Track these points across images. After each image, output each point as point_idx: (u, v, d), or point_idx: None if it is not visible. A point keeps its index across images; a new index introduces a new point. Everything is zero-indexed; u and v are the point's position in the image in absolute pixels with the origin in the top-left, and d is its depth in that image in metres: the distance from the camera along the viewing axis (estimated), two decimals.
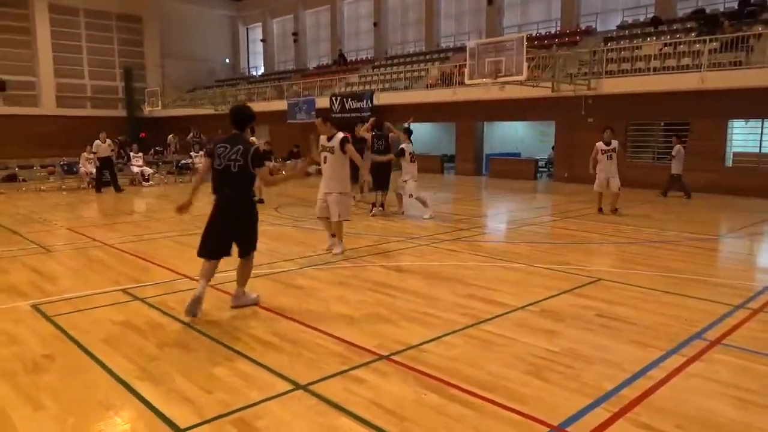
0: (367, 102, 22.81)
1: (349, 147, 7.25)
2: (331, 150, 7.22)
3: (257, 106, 28.70)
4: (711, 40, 15.28)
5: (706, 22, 17.30)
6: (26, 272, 6.59)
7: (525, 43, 15.17)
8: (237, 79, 37.69)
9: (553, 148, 20.36)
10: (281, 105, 26.63)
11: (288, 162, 21.92)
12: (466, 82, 16.96)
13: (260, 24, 38.35)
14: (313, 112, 24.63)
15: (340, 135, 7.25)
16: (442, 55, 25.34)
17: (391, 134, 11.84)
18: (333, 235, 7.59)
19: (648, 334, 4.53)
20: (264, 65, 38.63)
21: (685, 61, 15.78)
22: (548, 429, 3.07)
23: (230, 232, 5.01)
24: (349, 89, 25.95)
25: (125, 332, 4.56)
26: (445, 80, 21.39)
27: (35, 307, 5.21)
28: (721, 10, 18.45)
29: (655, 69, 16.22)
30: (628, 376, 3.72)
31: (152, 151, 24.47)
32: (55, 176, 17.30)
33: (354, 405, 3.32)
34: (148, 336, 4.47)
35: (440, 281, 6.17)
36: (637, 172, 15.82)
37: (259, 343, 4.31)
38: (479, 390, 3.51)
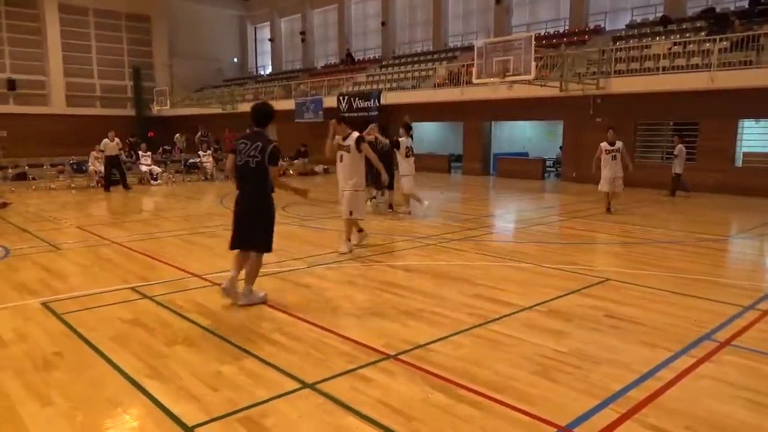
0: (374, 101, 22.82)
1: (365, 146, 7.43)
2: (347, 149, 7.39)
3: None
4: (721, 40, 15.16)
5: (716, 21, 17.17)
6: (36, 270, 6.63)
7: (533, 42, 15.11)
8: (245, 78, 37.80)
9: (561, 147, 20.28)
10: (289, 104, 26.68)
11: (296, 161, 21.97)
12: (474, 81, 16.92)
13: (268, 23, 38.44)
14: (321, 112, 24.69)
15: (355, 134, 7.44)
16: (449, 55, 25.30)
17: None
18: (360, 230, 7.80)
19: (656, 334, 4.50)
20: (272, 65, 38.72)
21: (695, 60, 15.67)
22: (556, 429, 3.06)
23: (251, 227, 5.14)
24: (356, 89, 25.96)
25: (134, 330, 4.59)
26: (453, 80, 21.35)
27: (45, 305, 5.25)
28: (732, 9, 18.29)
29: (664, 68, 16.12)
30: (636, 376, 3.70)
31: (160, 150, 24.58)
32: (65, 175, 17.43)
33: (361, 404, 3.32)
34: (156, 334, 4.49)
35: (448, 281, 6.17)
36: (646, 172, 15.70)
37: (266, 342, 4.32)
38: (487, 390, 3.50)
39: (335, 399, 3.38)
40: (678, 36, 17.42)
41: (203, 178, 19.40)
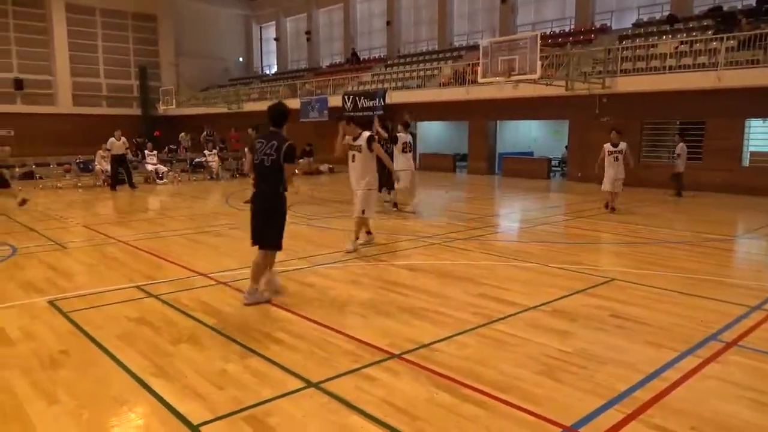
0: (379, 101, 22.81)
1: (376, 145, 7.49)
2: (359, 149, 7.45)
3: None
4: (728, 38, 15.07)
5: (723, 19, 17.07)
6: (43, 269, 6.67)
7: (539, 41, 15.07)
8: (250, 77, 37.87)
9: (566, 147, 20.22)
10: (294, 104, 26.65)
11: (301, 160, 21.97)
12: (479, 80, 16.88)
13: (274, 23, 38.50)
14: (326, 111, 24.69)
15: (366, 134, 7.50)
16: (455, 54, 25.26)
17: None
18: (368, 232, 7.83)
19: (662, 334, 4.48)
20: (277, 64, 38.78)
21: (702, 59, 15.59)
22: (561, 430, 3.05)
23: (265, 225, 5.27)
24: (361, 88, 25.97)
25: (139, 328, 4.61)
26: (458, 79, 21.31)
27: (52, 303, 5.28)
28: (739, 7, 18.19)
29: (670, 67, 16.04)
30: (642, 377, 3.69)
31: (166, 150, 24.66)
32: (71, 174, 17.51)
33: (365, 403, 3.32)
34: (161, 332, 4.51)
35: (452, 280, 6.16)
36: (652, 171, 15.66)
37: (271, 341, 4.33)
38: (492, 390, 3.50)
39: (340, 398, 3.39)
40: (685, 35, 17.34)
41: (209, 177, 19.45)
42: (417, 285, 5.95)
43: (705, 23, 17.80)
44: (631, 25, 20.78)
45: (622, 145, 11.30)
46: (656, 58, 16.83)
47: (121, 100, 35.94)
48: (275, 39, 38.34)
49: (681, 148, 14.15)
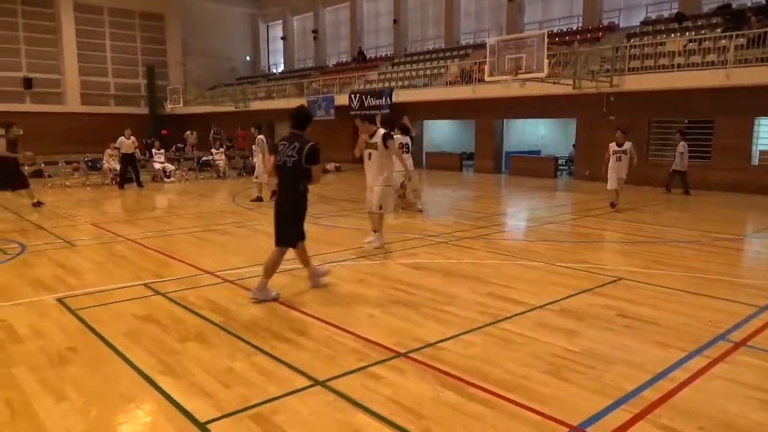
0: (386, 99, 22.79)
1: (391, 143, 7.55)
2: (375, 146, 7.51)
3: (277, 104, 28.98)
4: (737, 36, 14.96)
5: (732, 17, 16.93)
6: (51, 266, 6.72)
7: (546, 39, 15.01)
8: (257, 76, 37.93)
9: (573, 145, 20.14)
10: (301, 102, 26.71)
11: None
12: (486, 79, 16.82)
13: (280, 22, 38.54)
14: (332, 110, 24.72)
15: (382, 131, 7.56)
16: (461, 52, 25.20)
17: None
18: (375, 231, 7.81)
19: (670, 334, 4.46)
20: (284, 63, 38.82)
21: (710, 57, 15.48)
22: (568, 429, 3.04)
23: (285, 222, 5.46)
24: (368, 86, 25.96)
25: (147, 326, 4.63)
26: (465, 77, 21.27)
27: (60, 301, 5.31)
28: (748, 5, 18.03)
29: (679, 66, 15.93)
30: (649, 377, 3.67)
31: (173, 148, 24.75)
32: (80, 172, 17.60)
33: (372, 402, 3.32)
34: (169, 330, 4.53)
35: (459, 279, 6.15)
36: (661, 170, 15.56)
37: (278, 339, 4.34)
38: (498, 389, 3.49)
39: (346, 396, 3.39)
40: (693, 33, 17.22)
41: (216, 175, 19.51)
42: (423, 284, 5.95)
43: (714, 21, 17.66)
44: (639, 23, 20.64)
45: (627, 145, 11.37)
46: (664, 56, 16.72)
47: (128, 98, 36.10)
48: (282, 38, 38.39)
49: (682, 146, 14.21)
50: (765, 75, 13.94)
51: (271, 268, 5.39)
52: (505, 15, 25.08)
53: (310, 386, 3.53)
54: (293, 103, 27.34)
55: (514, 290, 5.69)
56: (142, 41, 36.80)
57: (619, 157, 11.36)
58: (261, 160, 12.61)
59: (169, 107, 32.67)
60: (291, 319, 4.80)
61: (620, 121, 15.17)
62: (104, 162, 17.11)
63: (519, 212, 12.50)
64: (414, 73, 24.61)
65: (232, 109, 30.23)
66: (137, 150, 16.68)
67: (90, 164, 17.61)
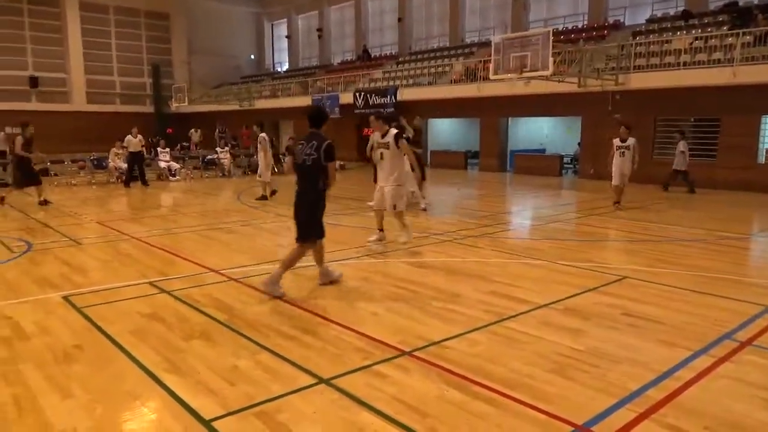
0: (390, 98, 22.78)
1: (403, 142, 7.57)
2: (386, 146, 7.55)
3: (282, 102, 29.01)
4: (744, 34, 14.86)
5: (739, 14, 16.83)
6: (58, 264, 6.75)
7: (551, 37, 14.97)
8: (262, 75, 37.96)
9: (579, 144, 20.08)
10: (306, 101, 26.70)
11: None
12: (491, 77, 16.80)
13: (285, 20, 38.55)
14: (337, 108, 24.70)
15: (394, 131, 7.59)
16: (466, 51, 25.15)
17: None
18: (380, 230, 7.88)
19: (675, 333, 4.44)
20: (289, 61, 38.84)
21: (717, 55, 15.40)
22: (572, 428, 3.04)
23: (305, 220, 5.55)
24: (372, 85, 25.94)
25: (152, 324, 4.65)
26: (470, 76, 21.23)
27: (66, 299, 5.34)
28: (755, 2, 17.92)
29: (685, 64, 15.85)
30: (654, 376, 3.66)
31: (179, 147, 24.81)
32: (86, 171, 17.67)
33: (376, 400, 3.32)
34: (174, 328, 4.55)
35: (463, 277, 6.15)
36: (666, 169, 15.47)
37: (282, 337, 4.34)
38: (502, 387, 3.49)
39: (350, 395, 3.39)
40: (699, 30, 17.13)
41: (221, 174, 19.56)
42: (428, 282, 5.95)
43: (720, 18, 17.57)
44: (644, 21, 20.55)
45: (631, 141, 11.38)
46: (670, 54, 16.64)
47: (134, 97, 36.20)
48: (287, 36, 38.40)
49: (683, 145, 14.25)
50: None
51: (289, 263, 5.54)
52: (510, 13, 25.01)
53: (315, 384, 3.54)
54: (298, 101, 27.46)
55: (518, 289, 5.69)
56: (148, 40, 36.89)
57: (623, 152, 11.38)
58: (263, 158, 12.64)
59: (174, 106, 32.73)
60: (295, 318, 4.81)
61: (620, 119, 15.12)
62: (110, 161, 17.18)
63: (524, 211, 12.48)
64: (419, 72, 24.58)
65: (236, 107, 30.27)
66: (143, 148, 16.75)
67: (96, 163, 17.68)
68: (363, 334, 4.38)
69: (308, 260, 6.83)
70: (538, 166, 20.32)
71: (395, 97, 22.65)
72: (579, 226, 9.98)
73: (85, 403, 3.33)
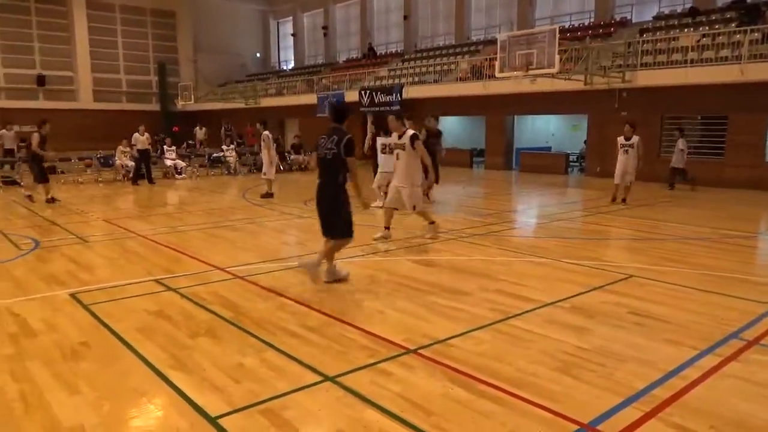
0: (396, 96, 22.75)
1: (419, 144, 7.62)
2: (402, 147, 7.63)
3: (287, 100, 29.04)
4: (752, 31, 14.76)
5: (746, 11, 16.72)
6: (65, 262, 6.79)
7: (557, 35, 14.91)
8: (268, 73, 38.02)
9: (585, 142, 20.02)
10: (311, 99, 26.77)
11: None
12: (497, 75, 16.75)
13: (291, 18, 38.59)
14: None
15: (410, 132, 7.65)
16: (472, 48, 25.10)
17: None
18: (387, 228, 7.97)
19: (682, 332, 4.42)
20: (294, 59, 38.87)
21: (724, 52, 15.30)
22: (578, 427, 3.03)
23: (329, 214, 5.65)
24: (378, 83, 25.92)
25: (158, 322, 4.67)
26: (476, 73, 21.18)
27: (73, 296, 5.37)
28: None
29: (692, 61, 15.76)
30: (660, 375, 3.65)
31: (185, 145, 24.86)
32: (92, 169, 17.75)
33: (381, 398, 3.33)
34: (180, 326, 4.57)
35: (468, 276, 6.14)
36: (675, 167, 15.41)
37: (287, 335, 4.36)
38: (508, 386, 3.48)
39: (355, 392, 3.40)
40: (707, 28, 17.02)
41: (226, 172, 19.60)
42: (433, 280, 5.95)
43: (728, 15, 17.46)
44: (651, 18, 20.46)
45: (635, 139, 11.46)
46: (677, 51, 16.55)
47: (140, 95, 36.34)
48: (292, 34, 38.43)
49: (682, 143, 14.24)
50: None
51: (329, 256, 5.69)
52: (516, 10, 24.94)
53: (320, 382, 3.55)
54: (303, 99, 27.51)
55: (524, 287, 5.68)
56: (154, 38, 37.02)
57: (627, 150, 11.46)
58: (267, 156, 12.65)
59: (180, 104, 32.83)
60: (301, 315, 4.82)
61: (627, 117, 15.06)
62: (116, 158, 17.24)
63: (529, 209, 12.45)
64: (424, 70, 24.55)
65: (242, 105, 30.33)
66: (150, 146, 16.81)
67: (102, 161, 17.75)
68: (368, 332, 4.38)
69: (312, 257, 6.84)
70: (544, 164, 20.26)
71: (401, 95, 22.62)
72: (585, 224, 9.95)
73: (92, 399, 3.35)
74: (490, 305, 5.08)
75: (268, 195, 12.65)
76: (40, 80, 32.93)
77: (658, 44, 17.25)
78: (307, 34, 37.68)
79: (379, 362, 3.83)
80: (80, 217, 10.33)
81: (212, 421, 3.09)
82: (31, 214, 10.63)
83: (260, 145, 13.27)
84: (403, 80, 24.34)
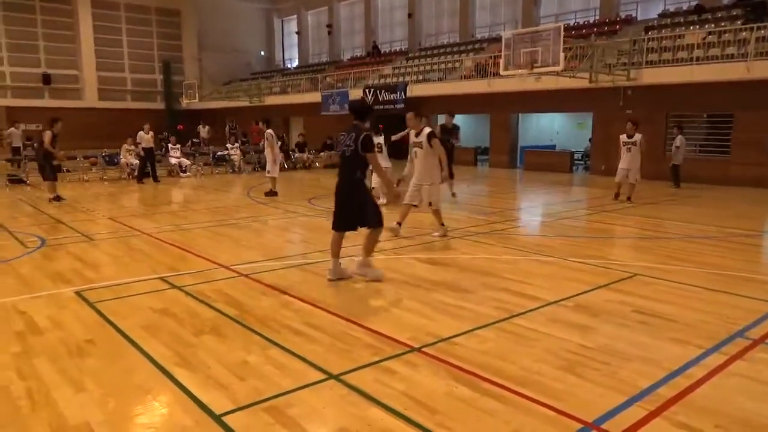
0: (400, 94, 22.75)
1: (436, 142, 7.72)
2: (420, 145, 7.72)
3: (292, 99, 29.06)
4: (758, 28, 14.68)
5: (752, 9, 16.63)
6: (70, 260, 6.82)
7: (562, 33, 14.86)
8: (272, 71, 38.05)
9: (590, 140, 19.96)
10: (315, 97, 26.78)
11: (322, 154, 22.05)
12: (501, 73, 16.72)
13: (295, 16, 38.61)
14: (347, 104, 24.69)
15: (428, 130, 7.73)
16: (476, 46, 25.05)
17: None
18: (399, 223, 8.08)
19: (687, 331, 4.41)
20: (298, 57, 38.90)
21: (730, 50, 15.22)
22: (582, 426, 3.03)
23: (342, 209, 5.70)
24: (382, 81, 25.90)
25: (163, 319, 4.68)
26: (480, 71, 21.15)
27: (78, 294, 5.39)
28: None
29: (698, 59, 15.69)
30: (665, 374, 3.64)
31: (189, 143, 24.92)
32: (97, 167, 17.81)
33: (385, 396, 3.33)
34: (185, 323, 4.58)
35: (473, 274, 6.14)
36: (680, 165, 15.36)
37: (292, 332, 4.36)
38: (511, 384, 3.48)
39: (360, 390, 3.40)
40: (713, 25, 16.94)
41: (231, 170, 19.64)
42: (437, 279, 5.94)
43: (734, 13, 17.37)
44: (657, 16, 20.37)
45: (637, 137, 11.45)
46: (683, 49, 16.48)
47: (145, 94, 36.45)
48: (296, 32, 38.46)
49: (680, 140, 14.21)
50: None
51: (368, 249, 5.76)
52: (521, 8, 24.88)
53: (324, 380, 3.55)
54: (308, 98, 27.53)
55: (528, 286, 5.67)
56: (158, 37, 37.12)
57: (629, 148, 11.52)
58: (271, 154, 12.66)
59: (184, 102, 32.92)
60: (305, 313, 4.82)
61: (631, 115, 15.02)
62: (121, 157, 17.30)
63: (534, 207, 12.43)
64: (429, 68, 24.52)
65: (247, 104, 30.37)
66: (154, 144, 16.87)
67: (107, 159, 17.81)
68: (372, 330, 4.39)
69: (318, 257, 6.85)
70: (549, 162, 20.22)
71: (405, 93, 22.61)
72: (589, 222, 9.93)
73: (97, 396, 3.37)
74: (495, 304, 5.07)
75: (273, 193, 12.67)
76: (46, 79, 33.07)
77: (664, 42, 17.18)
78: (312, 32, 37.68)
79: (384, 360, 3.84)
80: (86, 215, 10.37)
81: (217, 418, 3.10)
82: (37, 212, 10.68)
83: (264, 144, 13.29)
84: (408, 78, 24.32)
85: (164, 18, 37.17)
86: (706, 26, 17.03)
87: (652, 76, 16.26)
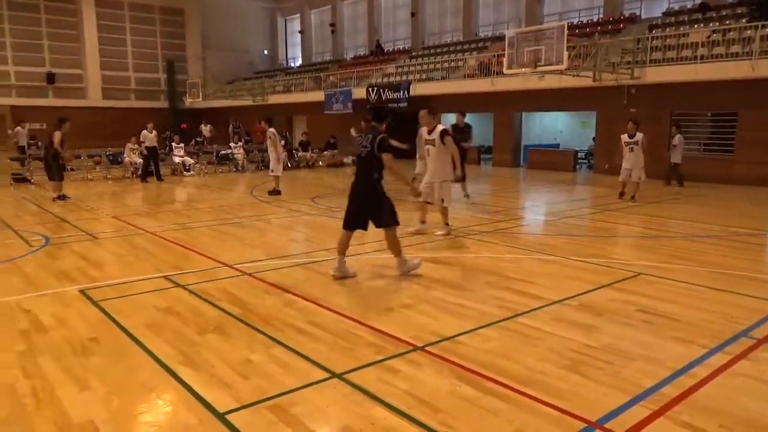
0: (403, 92, 22.73)
1: (449, 139, 7.72)
2: (433, 143, 7.74)
3: (295, 97, 29.06)
4: (763, 26, 14.62)
5: (758, 7, 16.56)
6: (74, 258, 6.84)
7: (566, 31, 14.83)
8: (275, 70, 38.07)
9: (593, 139, 19.91)
10: (318, 96, 26.78)
11: (325, 152, 22.07)
12: (505, 71, 16.69)
13: (298, 15, 38.61)
14: (350, 103, 24.72)
15: (440, 128, 7.76)
16: (480, 45, 25.01)
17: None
18: (423, 222, 8.18)
19: (691, 330, 4.40)
20: (302, 56, 38.90)
21: (735, 48, 15.16)
22: (585, 425, 3.02)
23: (359, 209, 5.76)
24: (385, 80, 25.88)
25: (167, 318, 4.69)
26: (483, 70, 21.12)
27: (83, 292, 5.41)
28: None
29: (702, 57, 15.63)
30: (669, 373, 3.63)
31: (193, 142, 24.96)
32: (101, 166, 17.86)
33: (388, 395, 3.33)
34: (188, 322, 4.59)
35: (476, 273, 6.14)
36: (683, 164, 15.30)
37: (295, 331, 4.37)
38: (515, 383, 3.48)
39: (363, 389, 3.41)
40: (717, 23, 16.88)
41: (234, 169, 19.66)
42: (441, 277, 5.95)
43: (738, 11, 17.30)
44: (661, 14, 20.30)
45: (638, 136, 11.46)
46: (687, 47, 16.42)
47: (149, 93, 36.52)
48: (300, 31, 38.45)
49: (678, 139, 14.17)
50: None
51: (395, 249, 5.84)
52: (524, 6, 24.81)
53: (327, 379, 3.56)
54: (311, 96, 27.53)
55: (532, 285, 5.66)
56: (162, 36, 37.18)
57: (632, 148, 11.54)
58: (274, 153, 12.68)
59: (188, 101, 32.96)
60: (308, 312, 4.83)
61: (632, 114, 14.99)
62: (125, 156, 17.34)
63: (537, 206, 12.41)
64: (432, 66, 24.49)
65: (250, 103, 30.40)
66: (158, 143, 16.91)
67: (111, 158, 17.86)
68: (376, 329, 4.39)
69: (321, 255, 6.86)
70: (552, 161, 20.19)
71: (408, 92, 22.59)
72: (593, 221, 9.91)
73: (101, 395, 3.38)
74: (498, 303, 5.07)
75: (276, 192, 12.68)
76: (50, 78, 33.16)
77: (668, 40, 17.12)
78: (315, 31, 37.68)
79: (387, 359, 3.84)
80: (90, 214, 10.40)
81: (220, 416, 3.11)
82: (42, 210, 10.71)
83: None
84: (411, 77, 24.29)
85: (168, 17, 37.22)
86: (711, 24, 16.97)
87: (656, 74, 16.21)
